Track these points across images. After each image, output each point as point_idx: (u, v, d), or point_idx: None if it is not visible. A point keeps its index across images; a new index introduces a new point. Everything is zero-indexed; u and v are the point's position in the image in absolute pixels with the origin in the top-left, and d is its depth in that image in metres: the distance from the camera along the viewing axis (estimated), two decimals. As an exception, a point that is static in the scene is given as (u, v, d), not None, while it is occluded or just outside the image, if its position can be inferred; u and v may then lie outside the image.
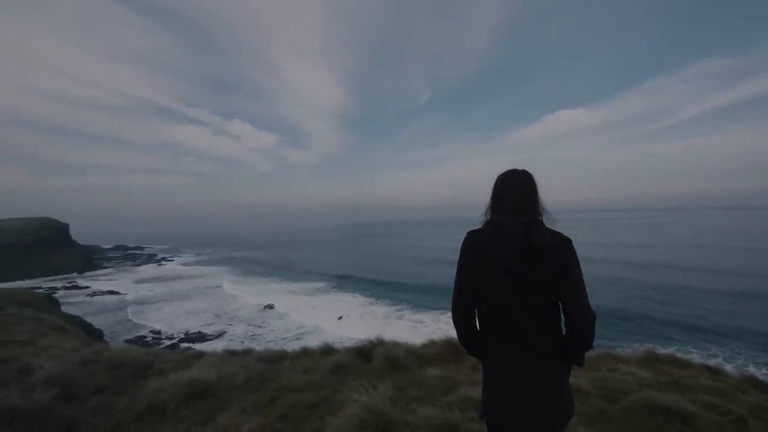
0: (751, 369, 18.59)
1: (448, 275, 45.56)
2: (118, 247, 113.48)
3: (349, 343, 5.36)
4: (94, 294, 49.50)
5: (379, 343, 4.43)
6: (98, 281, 59.71)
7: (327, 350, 5.13)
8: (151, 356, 5.92)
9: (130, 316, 37.85)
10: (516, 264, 1.24)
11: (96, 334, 26.90)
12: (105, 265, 79.32)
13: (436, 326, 28.94)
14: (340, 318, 33.75)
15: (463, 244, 1.38)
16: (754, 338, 22.99)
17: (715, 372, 3.63)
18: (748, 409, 2.42)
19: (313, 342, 12.05)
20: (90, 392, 4.18)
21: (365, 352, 4.12)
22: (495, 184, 1.44)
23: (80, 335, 11.04)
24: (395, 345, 4.35)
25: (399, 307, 36.97)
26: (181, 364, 5.50)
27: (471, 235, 1.38)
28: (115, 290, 51.33)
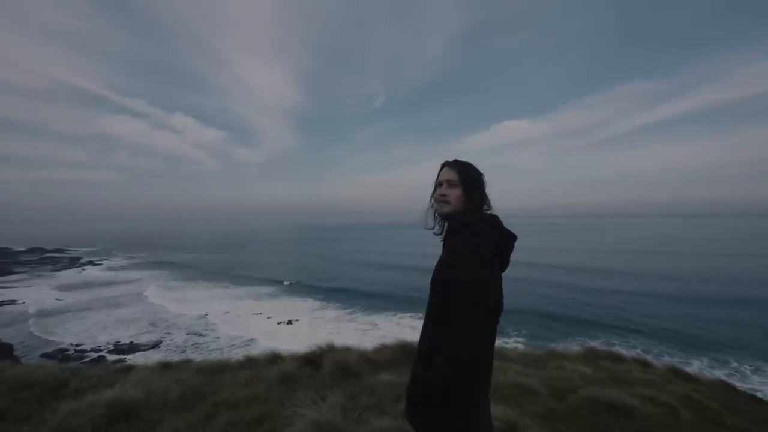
0: (666, 359, 20.96)
1: (399, 280, 46.14)
2: (33, 250, 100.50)
3: (299, 350, 5.07)
4: (1, 303, 43.36)
5: (330, 349, 4.23)
6: (7, 288, 52.36)
7: (273, 358, 4.82)
8: (68, 373, 5.17)
9: (46, 328, 33.58)
10: (507, 262, 1.19)
11: (4, 350, 23.78)
12: (16, 270, 69.74)
13: (389, 329, 29.09)
14: (290, 323, 32.71)
15: (478, 250, 1.09)
16: (666, 334, 25.91)
17: (645, 364, 3.92)
18: (678, 399, 2.60)
19: (260, 350, 11.43)
20: (-18, 421, 3.52)
21: (314, 360, 3.90)
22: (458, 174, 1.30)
23: (-21, 352, 9.50)
24: (346, 351, 4.18)
25: (351, 310, 36.68)
26: (104, 381, 4.85)
27: (480, 236, 1.12)
28: (29, 298, 45.37)
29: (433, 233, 1.36)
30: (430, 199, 1.37)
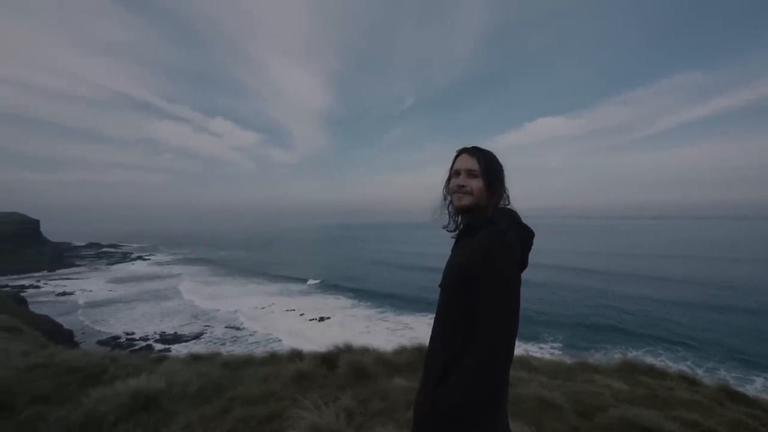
0: (722, 373, 19.15)
1: (427, 281, 45.46)
2: (91, 245, 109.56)
3: (324, 346, 5.05)
4: (64, 293, 47.51)
5: (347, 349, 4.17)
6: (70, 280, 57.39)
7: (294, 356, 4.83)
8: (108, 360, 5.47)
9: (101, 317, 36.45)
10: (527, 260, 1.10)
11: (65, 336, 25.82)
12: (77, 263, 76.30)
13: (421, 329, 28.90)
14: (321, 320, 33.31)
15: (508, 248, 0.99)
16: (719, 348, 23.51)
17: (692, 382, 3.51)
18: (729, 426, 2.27)
19: (290, 345, 11.65)
20: (27, 402, 3.76)
21: (331, 359, 3.85)
22: (492, 163, 1.16)
23: (38, 337, 10.33)
24: (364, 351, 4.09)
25: (381, 309, 36.79)
26: (139, 369, 5.10)
27: (507, 234, 1.01)
28: (88, 289, 49.50)
29: (447, 230, 1.22)
30: (443, 191, 1.22)
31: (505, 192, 1.16)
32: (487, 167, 1.11)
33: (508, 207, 1.15)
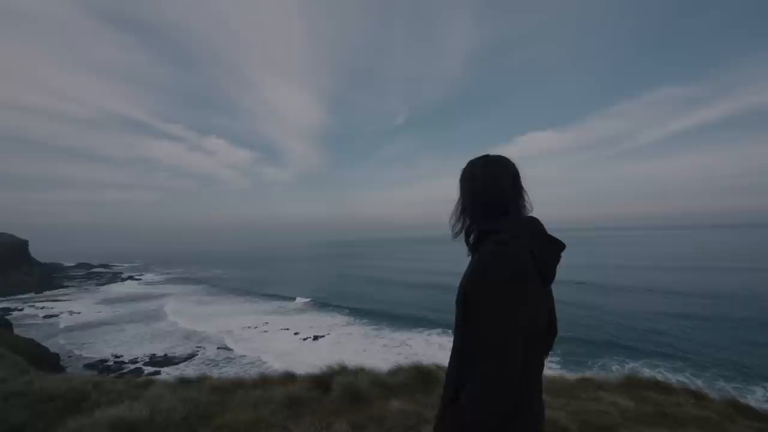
0: (720, 384, 18.97)
1: (423, 298, 44.90)
2: (80, 265, 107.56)
3: (322, 366, 4.84)
4: (51, 315, 46.28)
5: (342, 370, 3.99)
6: (57, 301, 55.99)
7: (286, 378, 4.63)
8: (90, 386, 5.20)
9: (90, 339, 35.44)
10: (553, 274, 1.00)
11: (51, 360, 24.98)
12: (66, 284, 74.67)
13: (419, 347, 28.44)
14: (316, 339, 32.71)
15: (500, 262, 0.87)
16: (722, 362, 23.25)
17: (699, 397, 3.39)
18: (743, 445, 2.15)
19: (285, 365, 11.33)
20: (0, 434, 3.53)
21: (325, 382, 3.67)
22: (491, 170, 1.05)
23: (19, 362, 9.92)
24: (359, 372, 3.92)
25: (377, 326, 36.23)
26: (123, 395, 4.84)
27: (507, 246, 0.90)
28: (76, 311, 48.30)
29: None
30: None
31: (486, 197, 1.03)
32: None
33: (527, 217, 1.05)
